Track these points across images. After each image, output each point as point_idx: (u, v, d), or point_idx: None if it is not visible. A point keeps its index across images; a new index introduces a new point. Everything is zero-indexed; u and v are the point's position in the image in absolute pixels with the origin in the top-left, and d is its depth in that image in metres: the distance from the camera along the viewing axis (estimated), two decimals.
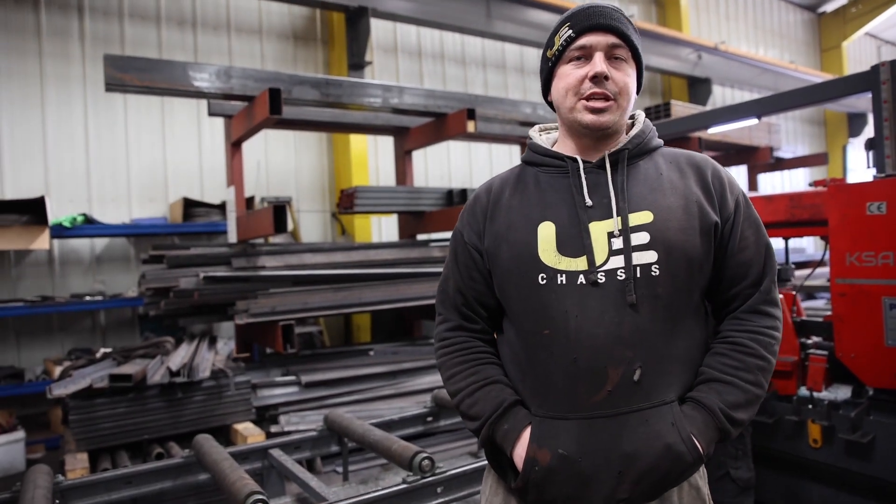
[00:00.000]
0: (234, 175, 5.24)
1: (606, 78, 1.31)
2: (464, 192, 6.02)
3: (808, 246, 11.20)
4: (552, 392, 1.30)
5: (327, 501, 2.05)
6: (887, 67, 3.39)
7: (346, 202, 5.64)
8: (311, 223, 7.23)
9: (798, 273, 4.51)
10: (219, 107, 5.22)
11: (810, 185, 3.93)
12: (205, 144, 6.63)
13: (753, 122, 4.80)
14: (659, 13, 10.70)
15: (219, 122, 6.38)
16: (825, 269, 4.29)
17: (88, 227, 5.54)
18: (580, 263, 1.29)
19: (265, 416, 4.45)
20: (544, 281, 1.30)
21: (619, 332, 1.25)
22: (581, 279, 1.28)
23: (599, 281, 1.27)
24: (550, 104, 1.46)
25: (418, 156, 7.33)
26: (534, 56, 9.04)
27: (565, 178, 1.37)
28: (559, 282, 1.29)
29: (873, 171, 3.52)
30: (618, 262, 1.28)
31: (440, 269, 5.46)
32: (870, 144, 3.65)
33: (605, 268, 1.28)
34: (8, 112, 5.74)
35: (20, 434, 4.85)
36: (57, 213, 5.67)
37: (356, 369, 4.99)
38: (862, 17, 13.56)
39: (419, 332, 6.22)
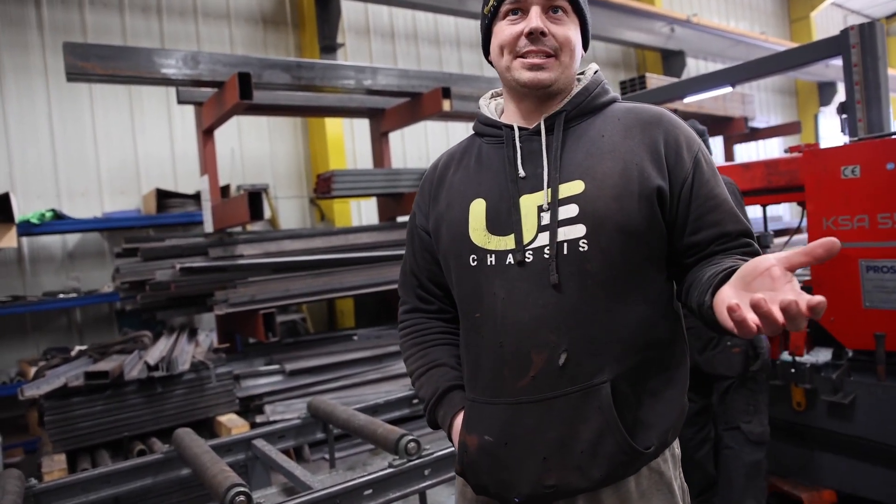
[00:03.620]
0: (208, 163, 5.12)
1: (544, 34, 1.21)
2: None
3: (785, 214, 11.31)
4: (482, 376, 1.26)
5: (313, 490, 2.01)
6: (856, 31, 3.38)
7: (324, 187, 5.56)
8: (289, 210, 7.13)
9: (776, 241, 4.54)
10: (188, 94, 5.09)
11: (786, 151, 3.93)
12: (176, 133, 6.48)
13: (728, 90, 4.79)
14: None
15: (190, 110, 6.23)
16: (802, 237, 4.31)
17: (58, 222, 5.39)
18: (509, 242, 1.22)
19: (250, 407, 4.40)
20: (475, 262, 1.24)
21: (544, 314, 1.18)
22: (510, 259, 1.21)
23: (527, 260, 1.20)
24: (492, 64, 1.35)
25: (395, 137, 7.23)
26: None
27: (502, 149, 1.29)
28: (489, 263, 1.23)
29: (846, 137, 3.53)
30: (546, 238, 1.19)
31: None
32: (842, 109, 3.65)
33: (532, 246, 1.20)
34: None
35: None
36: (24, 209, 5.51)
37: (340, 355, 4.95)
38: None
39: None
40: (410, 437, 2.20)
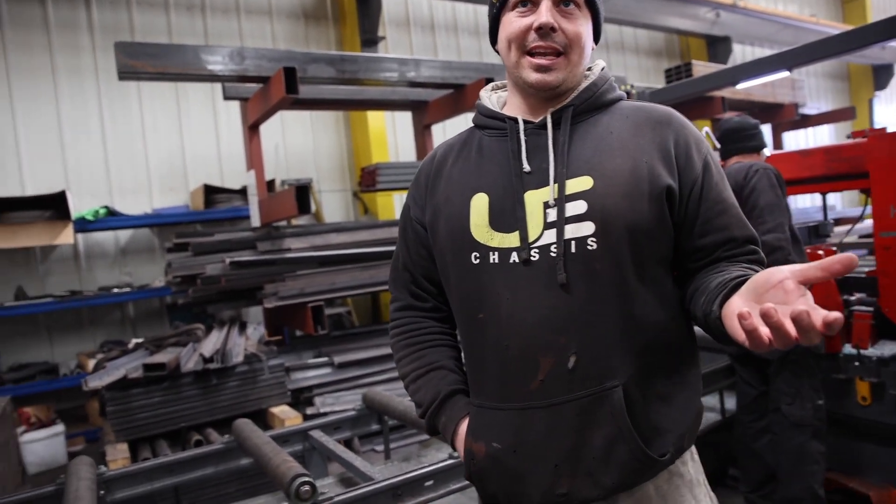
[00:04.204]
0: (254, 158, 5.18)
1: (554, 30, 1.15)
2: None
3: (837, 203, 10.96)
4: (487, 380, 1.20)
5: (375, 480, 2.01)
6: None
7: (368, 180, 5.57)
8: (332, 203, 7.19)
9: (836, 230, 4.38)
10: (234, 90, 5.15)
11: (848, 137, 3.79)
12: (221, 130, 6.58)
13: (783, 74, 4.63)
14: None
15: (234, 107, 6.31)
16: (864, 225, 4.16)
17: (111, 219, 5.54)
18: (513, 239, 1.16)
19: (300, 399, 4.45)
20: (477, 260, 1.18)
21: (551, 316, 1.12)
22: (514, 257, 1.15)
23: (532, 259, 1.14)
24: (499, 54, 1.29)
25: (437, 129, 7.21)
26: None
27: (505, 142, 1.23)
28: (492, 261, 1.17)
29: None
30: (552, 236, 1.13)
31: None
32: None
33: (538, 243, 1.14)
34: (22, 108, 5.72)
35: (59, 428, 4.91)
36: (79, 206, 5.67)
37: (387, 348, 4.97)
38: None
39: None
40: None
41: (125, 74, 4.29)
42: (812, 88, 12.81)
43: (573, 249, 1.12)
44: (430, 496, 2.08)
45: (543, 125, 1.21)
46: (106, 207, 5.56)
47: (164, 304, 6.19)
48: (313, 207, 6.65)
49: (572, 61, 1.18)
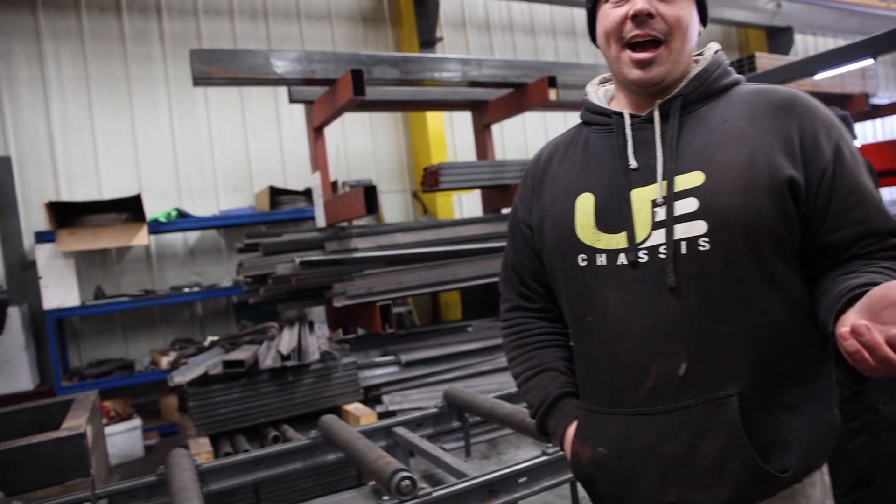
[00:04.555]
0: (319, 160, 5.27)
1: (651, 16, 1.08)
2: None
3: None
4: (595, 384, 1.18)
5: (469, 477, 2.01)
6: None
7: (431, 180, 5.59)
8: (392, 204, 7.26)
9: None
10: (299, 93, 5.25)
11: None
12: (284, 133, 6.72)
13: (867, 62, 4.45)
14: None
15: (297, 110, 6.45)
16: None
17: (182, 220, 5.71)
18: (620, 240, 1.12)
19: (368, 397, 4.50)
20: (584, 262, 1.15)
21: (661, 321, 1.08)
22: (622, 259, 1.11)
23: (640, 261, 1.09)
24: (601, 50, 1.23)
25: (494, 130, 7.22)
26: None
27: (611, 138, 1.18)
28: (599, 263, 1.14)
29: None
30: (660, 237, 1.08)
31: None
32: None
33: (647, 244, 1.09)
34: (101, 116, 5.96)
35: (137, 422, 5.09)
36: (150, 209, 5.87)
37: (453, 346, 4.98)
38: None
39: None
40: None
41: (199, 80, 4.42)
42: (884, 77, 12.29)
43: (683, 250, 1.07)
44: (523, 493, 2.07)
45: (651, 118, 1.16)
46: (177, 209, 5.74)
47: (231, 304, 6.34)
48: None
49: (675, 50, 1.11)
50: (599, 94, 1.30)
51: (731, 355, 1.06)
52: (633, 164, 1.14)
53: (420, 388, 4.68)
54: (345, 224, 5.47)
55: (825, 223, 1.08)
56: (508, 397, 2.79)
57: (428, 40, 6.72)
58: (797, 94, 1.15)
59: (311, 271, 4.62)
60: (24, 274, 5.49)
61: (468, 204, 7.46)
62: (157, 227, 5.57)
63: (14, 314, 5.23)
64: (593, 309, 1.15)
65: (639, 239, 1.10)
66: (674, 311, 1.07)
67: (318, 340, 4.12)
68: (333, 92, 4.74)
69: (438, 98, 5.86)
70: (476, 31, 7.82)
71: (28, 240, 5.55)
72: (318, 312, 6.12)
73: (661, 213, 1.09)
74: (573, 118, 6.61)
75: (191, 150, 6.33)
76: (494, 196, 6.18)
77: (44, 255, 5.23)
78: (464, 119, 7.29)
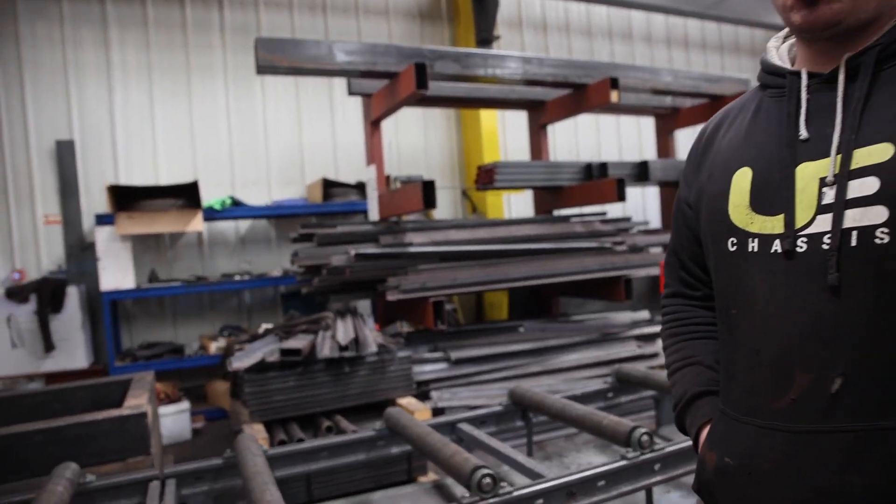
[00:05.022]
0: (374, 154, 5.26)
1: None
2: (604, 166, 5.77)
3: None
4: (734, 385, 1.05)
5: (548, 478, 1.95)
6: None
7: (486, 178, 5.54)
8: (441, 201, 7.16)
9: None
10: (358, 86, 5.24)
11: None
12: (337, 126, 6.74)
13: None
14: None
15: (351, 103, 6.47)
16: None
17: (236, 209, 5.76)
18: (776, 224, 0.95)
19: (416, 392, 4.47)
20: (734, 248, 1.01)
21: (816, 324, 0.90)
22: (776, 246, 0.95)
23: (798, 250, 0.92)
24: None
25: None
26: (661, 23, 8.58)
27: (783, 103, 1.00)
28: (750, 249, 0.99)
29: None
30: (825, 223, 0.90)
31: (584, 245, 5.30)
32: None
33: (807, 231, 0.92)
34: (161, 103, 6.06)
35: (186, 405, 5.14)
36: (205, 196, 5.93)
37: (503, 346, 4.93)
38: None
39: (557, 309, 6.07)
40: (644, 430, 2.09)
41: (263, 68, 4.44)
42: None
43: (853, 242, 0.88)
44: (601, 497, 2.01)
45: (833, 78, 0.94)
46: (231, 197, 5.79)
47: (279, 294, 6.38)
48: None
49: None
50: (782, 50, 1.09)
51: None
52: (803, 133, 0.96)
53: (469, 386, 4.64)
54: (397, 219, 5.46)
55: None
56: (582, 398, 2.72)
57: (485, 38, 6.67)
58: None
59: (365, 264, 4.61)
60: (83, 255, 5.60)
61: (517, 204, 7.39)
62: (211, 215, 5.62)
63: (73, 294, 5.34)
64: (739, 300, 1.02)
65: (799, 224, 0.93)
66: (834, 315, 0.89)
67: (372, 333, 4.10)
68: (394, 85, 4.72)
69: (496, 96, 5.80)
70: (532, 31, 7.75)
71: (88, 222, 5.66)
72: (363, 306, 6.12)
73: (830, 195, 0.91)
74: (626, 122, 6.54)
75: (246, 139, 6.39)
76: (547, 197, 6.10)
77: (103, 237, 5.32)
78: (517, 119, 7.23)
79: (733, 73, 8.55)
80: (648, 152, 7.83)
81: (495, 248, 4.96)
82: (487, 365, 4.79)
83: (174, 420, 5.02)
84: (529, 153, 6.23)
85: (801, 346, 0.92)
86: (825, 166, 0.92)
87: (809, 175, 0.94)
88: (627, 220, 6.06)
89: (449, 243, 4.91)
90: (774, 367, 0.96)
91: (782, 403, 0.94)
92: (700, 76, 6.08)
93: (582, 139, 7.87)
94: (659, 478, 2.09)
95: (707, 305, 1.22)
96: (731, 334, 1.05)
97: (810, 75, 0.98)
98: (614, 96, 5.20)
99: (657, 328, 5.46)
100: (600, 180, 5.63)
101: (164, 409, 4.97)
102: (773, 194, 0.97)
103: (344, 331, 3.86)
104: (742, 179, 1.02)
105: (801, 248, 0.93)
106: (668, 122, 6.72)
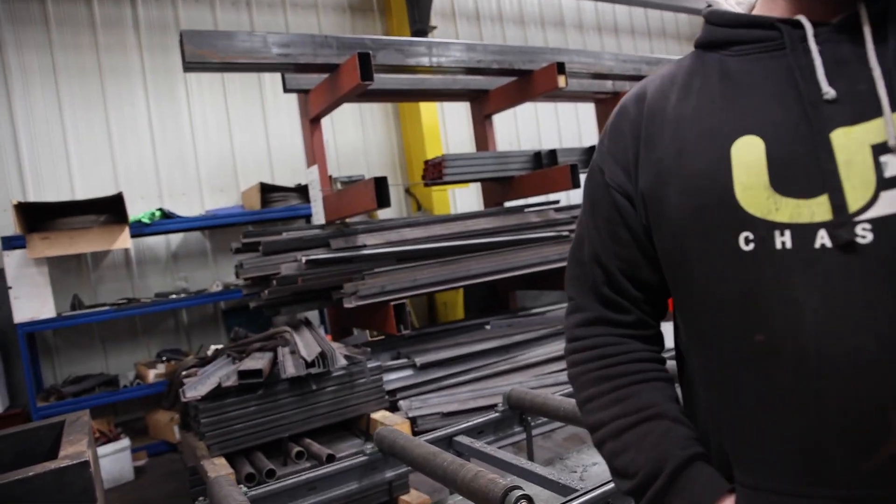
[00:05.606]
0: (316, 153, 4.94)
1: None
2: (553, 153, 5.64)
3: None
4: (772, 447, 0.74)
5: (582, 490, 1.73)
6: None
7: (433, 173, 5.30)
8: None
9: None
10: (294, 82, 4.90)
11: None
12: (271, 126, 6.33)
13: None
14: None
15: (284, 102, 6.09)
16: None
17: (168, 221, 5.28)
18: (818, 209, 0.72)
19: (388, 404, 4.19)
20: (750, 245, 0.75)
21: None
22: (822, 239, 0.71)
23: (860, 241, 0.69)
24: None
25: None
26: (591, 10, 8.57)
27: (777, 59, 0.79)
28: (778, 246, 0.73)
29: None
30: (894, 202, 0.69)
31: (542, 235, 5.15)
32: None
33: (869, 214, 0.69)
34: (71, 109, 5.48)
35: (125, 442, 4.66)
36: (130, 210, 5.42)
37: (469, 346, 4.72)
38: None
39: (515, 303, 5.91)
40: None
41: (192, 65, 4.04)
42: None
43: None
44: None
45: (848, 25, 0.76)
46: (161, 210, 5.31)
47: (220, 310, 5.93)
48: None
49: None
50: (731, 2, 0.90)
51: None
52: (828, 92, 0.74)
53: (437, 392, 4.39)
54: (340, 221, 5.14)
55: None
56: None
57: (420, 29, 6.43)
58: None
59: (317, 270, 4.28)
60: None
61: (462, 199, 7.20)
62: (139, 230, 5.12)
63: None
64: (769, 321, 0.73)
65: (853, 207, 0.70)
66: None
67: (336, 345, 3.79)
68: (336, 78, 4.41)
69: (438, 87, 5.58)
70: (466, 22, 7.57)
71: None
72: (312, 317, 5.76)
73: (894, 165, 0.70)
74: (564, 109, 6.43)
75: (172, 146, 5.89)
76: (497, 189, 5.93)
77: (13, 262, 4.74)
78: (457, 112, 7.04)
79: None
80: (588, 139, 7.81)
81: (454, 245, 4.74)
82: (455, 367, 4.56)
83: (113, 461, 4.54)
84: (473, 146, 6.04)
85: (890, 375, 0.66)
86: (875, 129, 0.71)
87: (853, 142, 0.71)
88: (578, 206, 5.95)
89: (405, 243, 4.64)
90: (852, 410, 0.68)
91: (875, 462, 0.67)
92: (640, 59, 6.04)
93: (523, 130, 7.75)
94: None
95: (641, 335, 0.93)
96: (760, 372, 0.75)
97: (815, 24, 0.78)
98: (562, 81, 5.07)
99: None
100: (552, 168, 5.50)
101: (102, 450, 4.48)
102: (803, 169, 0.73)
103: (306, 345, 3.53)
104: (748, 152, 0.76)
105: (864, 238, 0.69)
106: (609, 107, 6.68)
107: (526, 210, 5.45)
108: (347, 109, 6.56)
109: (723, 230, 0.77)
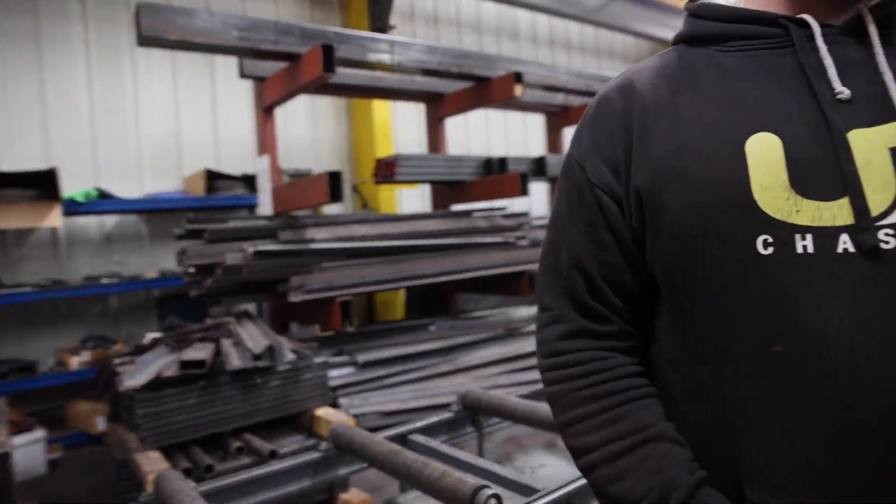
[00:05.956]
0: (268, 143, 4.84)
1: None
2: (503, 161, 5.70)
3: None
4: (797, 462, 0.70)
5: (547, 490, 1.75)
6: None
7: (386, 171, 5.27)
8: None
9: None
10: (252, 68, 4.77)
11: None
12: (220, 112, 6.12)
13: None
14: None
15: (236, 87, 5.92)
16: None
17: (104, 202, 5.02)
18: (839, 212, 0.69)
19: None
20: (768, 249, 0.71)
21: None
22: (845, 244, 0.68)
23: (884, 246, 0.67)
24: None
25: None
26: (545, 25, 8.74)
27: (781, 57, 0.77)
28: (799, 250, 0.70)
29: None
30: None
31: (490, 240, 5.19)
32: None
33: (890, 220, 0.68)
34: (0, 74, 5.14)
35: (40, 433, 4.39)
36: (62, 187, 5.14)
37: (412, 346, 4.71)
38: None
39: (456, 306, 5.94)
40: None
41: (148, 39, 3.88)
42: None
43: None
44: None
45: (853, 29, 0.76)
46: (98, 189, 5.05)
47: (153, 298, 5.69)
48: None
49: None
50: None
51: None
52: (842, 92, 0.72)
53: (378, 391, 4.37)
54: (284, 214, 5.03)
55: None
56: (531, 397, 2.57)
57: (380, 27, 6.38)
58: None
59: (264, 262, 4.18)
60: None
61: (409, 200, 7.17)
62: (72, 208, 4.85)
63: None
64: (789, 330, 0.69)
65: (875, 211, 0.68)
66: None
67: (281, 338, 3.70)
68: (296, 68, 4.33)
69: (395, 86, 5.56)
70: (424, 24, 7.56)
71: None
72: (248, 308, 5.60)
73: None
74: (513, 119, 6.55)
75: (113, 124, 5.60)
76: (446, 192, 5.96)
77: None
78: (409, 112, 7.03)
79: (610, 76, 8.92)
80: (535, 149, 7.94)
81: (404, 244, 4.72)
82: (397, 367, 4.55)
83: (26, 452, 4.25)
84: (422, 147, 6.05)
85: None
86: (891, 132, 0.70)
87: (870, 144, 0.70)
88: (525, 214, 6.06)
89: (354, 239, 4.60)
90: (882, 425, 0.65)
91: None
92: (593, 76, 6.22)
93: (473, 136, 7.81)
94: None
95: (623, 348, 0.86)
96: (777, 386, 0.71)
97: (822, 26, 0.77)
98: (518, 90, 5.16)
99: None
100: (503, 175, 5.57)
101: (14, 441, 4.21)
102: (822, 170, 0.71)
103: (251, 338, 3.43)
104: (764, 149, 0.73)
105: (888, 243, 0.67)
106: (558, 120, 6.84)
107: (474, 214, 5.49)
108: (300, 101, 6.43)
109: (739, 232, 0.72)
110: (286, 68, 4.45)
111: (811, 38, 0.76)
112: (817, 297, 0.68)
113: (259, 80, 4.84)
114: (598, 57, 9.49)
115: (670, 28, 9.45)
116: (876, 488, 0.66)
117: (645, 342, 0.88)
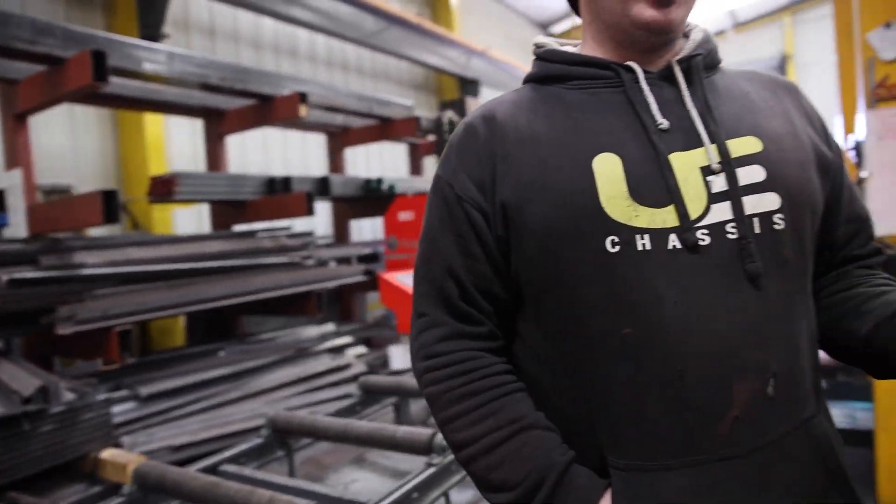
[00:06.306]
0: (21, 155, 4.30)
1: None
2: (287, 181, 5.69)
3: None
4: (643, 428, 0.85)
5: (370, 503, 1.87)
6: None
7: (163, 189, 4.96)
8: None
9: None
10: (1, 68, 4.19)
11: None
12: None
13: None
14: (432, 14, 11.23)
15: None
16: None
17: None
18: (667, 217, 0.86)
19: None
20: (616, 248, 0.85)
21: (745, 322, 0.84)
22: (674, 241, 0.85)
23: (702, 242, 0.85)
24: (575, 8, 1.05)
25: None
26: (323, 45, 8.84)
27: (614, 94, 0.94)
28: (639, 247, 0.85)
29: None
30: (723, 212, 0.87)
31: (276, 261, 5.12)
32: None
33: (706, 221, 0.86)
34: None
35: None
36: None
37: (198, 374, 4.48)
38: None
39: (242, 329, 5.76)
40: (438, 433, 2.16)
41: None
42: None
43: (757, 229, 0.87)
44: None
45: (665, 76, 0.95)
46: None
47: None
48: None
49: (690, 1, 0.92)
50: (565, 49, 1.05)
51: (806, 365, 0.90)
52: (662, 123, 0.90)
53: (165, 424, 4.08)
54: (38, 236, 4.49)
55: (838, 216, 1.01)
56: (336, 415, 2.67)
57: (151, 35, 5.95)
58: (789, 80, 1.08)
59: (21, 291, 3.70)
60: None
61: (184, 219, 6.77)
62: None
63: None
64: (636, 315, 0.84)
65: (693, 215, 0.86)
66: (757, 308, 0.85)
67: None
68: (59, 73, 3.93)
69: (172, 100, 5.25)
70: (199, 35, 7.19)
71: None
72: None
73: (719, 183, 0.88)
74: (292, 139, 6.67)
75: None
76: (228, 211, 5.77)
77: None
78: (182, 127, 6.67)
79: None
80: (315, 169, 7.99)
81: (186, 267, 4.50)
82: (185, 396, 4.29)
83: None
84: (198, 164, 5.80)
85: (736, 352, 0.84)
86: (700, 156, 0.89)
87: (688, 164, 0.89)
88: (310, 234, 6.10)
89: (132, 263, 4.26)
90: (707, 385, 0.83)
91: (725, 427, 0.83)
92: (373, 98, 6.47)
93: (251, 154, 7.61)
94: (456, 478, 2.18)
95: (493, 348, 0.98)
96: (629, 362, 0.85)
97: (645, 71, 0.96)
98: (303, 111, 5.21)
99: (347, 339, 5.64)
100: (287, 194, 5.56)
101: None
102: (654, 184, 0.88)
103: (13, 378, 3.03)
104: (607, 166, 0.88)
105: (704, 240, 0.85)
106: (339, 140, 6.98)
107: (258, 235, 5.40)
108: (56, 109, 5.74)
109: (592, 235, 0.86)
110: (45, 72, 4.01)
111: (636, 80, 0.94)
112: (655, 284, 0.84)
113: (8, 83, 4.27)
114: (376, 79, 9.85)
115: (442, 56, 10.17)
116: (706, 438, 0.83)
117: (511, 342, 1.00)
